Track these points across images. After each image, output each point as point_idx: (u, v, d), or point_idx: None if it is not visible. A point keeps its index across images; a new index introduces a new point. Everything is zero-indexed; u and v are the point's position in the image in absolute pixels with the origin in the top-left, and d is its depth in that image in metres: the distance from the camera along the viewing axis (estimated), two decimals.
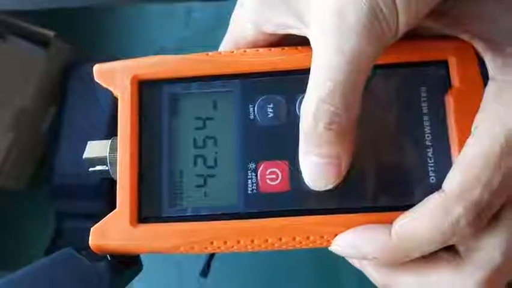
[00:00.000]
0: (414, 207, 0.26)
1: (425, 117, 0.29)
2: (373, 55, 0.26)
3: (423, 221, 0.25)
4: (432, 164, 0.28)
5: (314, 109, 0.26)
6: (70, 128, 0.55)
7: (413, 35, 0.28)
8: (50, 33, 0.58)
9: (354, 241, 0.27)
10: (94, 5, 0.61)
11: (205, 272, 0.48)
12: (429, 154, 0.28)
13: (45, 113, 0.59)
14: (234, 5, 0.62)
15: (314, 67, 0.26)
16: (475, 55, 0.29)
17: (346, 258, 0.29)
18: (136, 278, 0.31)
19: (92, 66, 0.56)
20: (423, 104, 0.29)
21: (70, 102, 0.56)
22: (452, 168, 0.26)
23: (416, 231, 0.25)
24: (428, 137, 0.29)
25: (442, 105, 0.29)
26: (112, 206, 0.53)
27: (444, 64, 0.29)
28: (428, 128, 0.29)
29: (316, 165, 0.27)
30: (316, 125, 0.26)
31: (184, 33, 0.63)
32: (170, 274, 0.56)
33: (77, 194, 0.53)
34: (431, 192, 0.27)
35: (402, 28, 0.26)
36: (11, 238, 0.57)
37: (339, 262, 0.50)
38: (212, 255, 0.49)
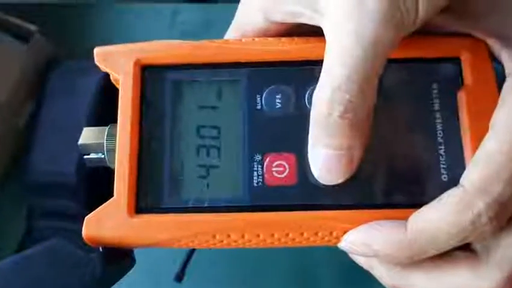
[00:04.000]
0: (431, 203, 0.25)
1: (437, 114, 0.28)
2: (391, 44, 0.25)
3: (442, 216, 0.24)
4: (444, 162, 0.28)
5: (328, 97, 0.25)
6: (47, 124, 0.53)
7: (425, 32, 0.28)
8: (32, 28, 0.56)
9: (366, 238, 0.26)
10: (77, 2, 0.60)
11: (179, 277, 0.47)
12: (441, 151, 0.28)
13: (22, 109, 0.57)
14: (222, 10, 0.61)
15: (329, 54, 0.25)
16: (487, 52, 0.29)
17: (352, 257, 0.28)
18: None
19: (73, 64, 0.55)
20: (435, 101, 0.28)
21: (48, 98, 0.54)
22: (470, 164, 0.25)
23: (434, 227, 0.24)
24: (440, 134, 0.28)
25: (454, 102, 0.28)
26: (90, 207, 0.51)
27: (457, 61, 0.29)
28: (440, 125, 0.28)
29: (327, 158, 0.26)
30: (330, 114, 0.25)
31: (168, 35, 0.61)
32: (144, 279, 0.54)
33: (51, 192, 0.51)
34: (443, 190, 0.26)
35: (421, 19, 0.25)
36: None
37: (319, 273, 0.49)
38: (188, 260, 0.47)
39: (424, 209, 0.25)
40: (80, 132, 0.51)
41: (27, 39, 0.56)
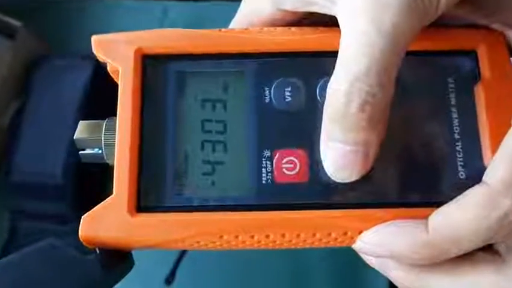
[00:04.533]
0: (453, 201, 0.24)
1: (453, 109, 0.27)
2: (412, 34, 0.24)
3: (466, 215, 0.23)
4: (461, 159, 0.26)
5: (346, 89, 0.23)
6: (33, 123, 0.51)
7: (440, 24, 0.27)
8: (18, 24, 0.54)
9: (384, 238, 0.24)
10: None
11: (169, 280, 0.45)
12: (458, 148, 0.26)
13: (6, 108, 0.55)
14: (212, 7, 0.60)
15: (346, 44, 0.24)
16: (505, 45, 0.27)
17: (365, 258, 0.27)
18: None
19: (59, 61, 0.53)
20: (451, 95, 0.27)
21: (34, 97, 0.52)
22: (493, 160, 0.23)
23: (457, 227, 0.23)
24: (456, 129, 0.27)
25: (471, 96, 0.27)
26: (77, 208, 0.50)
27: (474, 54, 0.27)
28: (457, 120, 0.27)
29: (342, 154, 0.24)
30: (348, 106, 0.23)
31: None
32: (133, 281, 0.53)
33: (37, 193, 0.49)
34: (461, 188, 0.25)
35: (442, 9, 0.24)
36: None
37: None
38: (178, 262, 0.46)
39: (445, 208, 0.24)
40: (68, 132, 0.50)
41: (13, 35, 0.54)
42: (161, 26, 0.58)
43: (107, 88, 0.53)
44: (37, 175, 0.49)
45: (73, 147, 0.49)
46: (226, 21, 0.30)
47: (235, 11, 0.30)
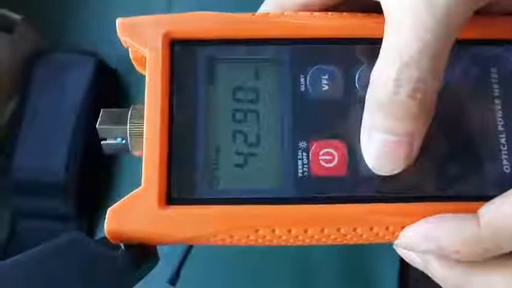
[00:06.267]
0: (503, 195, 0.23)
1: (497, 101, 0.26)
2: (464, 18, 0.23)
3: None
4: (506, 152, 0.25)
5: (395, 74, 0.22)
6: (33, 120, 0.49)
7: (483, 11, 0.25)
8: (17, 17, 0.52)
9: (431, 232, 0.23)
10: None
11: (173, 280, 0.44)
12: (503, 141, 0.25)
13: (5, 104, 0.53)
14: (218, 3, 0.59)
15: (394, 27, 0.23)
16: None
17: (404, 254, 0.25)
18: None
19: (60, 56, 0.52)
20: (494, 86, 0.26)
21: (34, 93, 0.50)
22: None
23: (510, 221, 0.22)
24: (500, 121, 0.25)
25: None
26: (80, 206, 0.48)
27: None
28: (500, 112, 0.26)
29: (385, 145, 0.23)
30: (396, 93, 0.22)
31: None
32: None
33: (37, 191, 0.48)
34: (506, 182, 0.24)
35: None
36: None
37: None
38: (183, 261, 0.44)
39: (497, 201, 0.23)
40: (69, 129, 0.48)
41: (12, 29, 0.53)
42: None
43: (108, 85, 0.52)
44: (38, 171, 0.48)
45: (75, 145, 0.48)
46: None
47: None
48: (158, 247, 0.26)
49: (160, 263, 0.40)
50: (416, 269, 0.26)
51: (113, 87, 0.54)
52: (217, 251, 0.48)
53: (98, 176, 0.50)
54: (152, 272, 0.46)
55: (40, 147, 0.49)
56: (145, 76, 0.25)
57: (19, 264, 0.23)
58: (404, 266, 0.45)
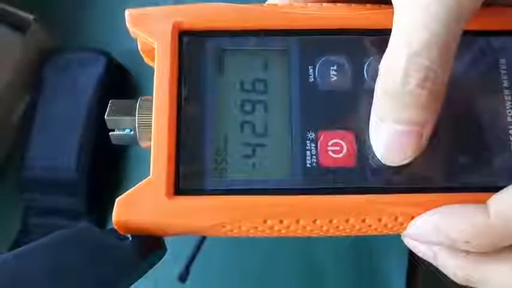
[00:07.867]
0: None
1: (506, 92, 0.25)
2: (473, 8, 0.23)
3: None
4: None
5: (404, 63, 0.22)
6: (44, 118, 0.50)
7: (491, 3, 0.25)
8: (29, 17, 0.53)
9: (441, 222, 0.23)
10: None
11: (183, 277, 0.44)
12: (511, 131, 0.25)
13: (17, 103, 0.53)
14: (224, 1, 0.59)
15: (404, 15, 0.22)
16: None
17: (412, 247, 0.25)
18: None
19: (71, 55, 0.52)
20: (503, 77, 0.26)
21: (45, 92, 0.51)
22: None
23: None
24: (509, 112, 0.25)
25: None
26: (91, 203, 0.48)
27: None
28: (510, 102, 0.25)
29: (395, 135, 0.23)
30: (406, 83, 0.22)
31: None
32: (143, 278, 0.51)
33: (49, 188, 0.48)
34: None
35: None
36: None
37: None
38: (192, 258, 0.44)
39: (506, 191, 0.22)
40: (81, 127, 0.48)
41: (25, 29, 0.53)
42: None
43: (119, 83, 0.52)
44: (50, 170, 0.48)
45: (86, 142, 0.48)
46: None
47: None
48: (166, 240, 0.26)
49: (168, 259, 0.40)
50: (424, 271, 0.26)
51: (124, 86, 0.54)
52: (224, 252, 0.48)
53: (108, 173, 0.50)
54: (159, 268, 0.46)
55: (52, 145, 0.49)
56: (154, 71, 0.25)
57: (31, 251, 0.24)
58: (413, 267, 0.45)
